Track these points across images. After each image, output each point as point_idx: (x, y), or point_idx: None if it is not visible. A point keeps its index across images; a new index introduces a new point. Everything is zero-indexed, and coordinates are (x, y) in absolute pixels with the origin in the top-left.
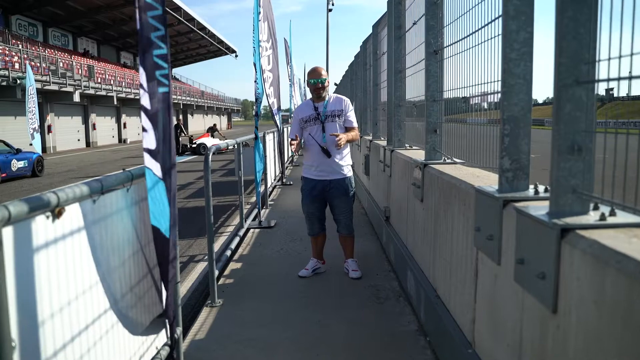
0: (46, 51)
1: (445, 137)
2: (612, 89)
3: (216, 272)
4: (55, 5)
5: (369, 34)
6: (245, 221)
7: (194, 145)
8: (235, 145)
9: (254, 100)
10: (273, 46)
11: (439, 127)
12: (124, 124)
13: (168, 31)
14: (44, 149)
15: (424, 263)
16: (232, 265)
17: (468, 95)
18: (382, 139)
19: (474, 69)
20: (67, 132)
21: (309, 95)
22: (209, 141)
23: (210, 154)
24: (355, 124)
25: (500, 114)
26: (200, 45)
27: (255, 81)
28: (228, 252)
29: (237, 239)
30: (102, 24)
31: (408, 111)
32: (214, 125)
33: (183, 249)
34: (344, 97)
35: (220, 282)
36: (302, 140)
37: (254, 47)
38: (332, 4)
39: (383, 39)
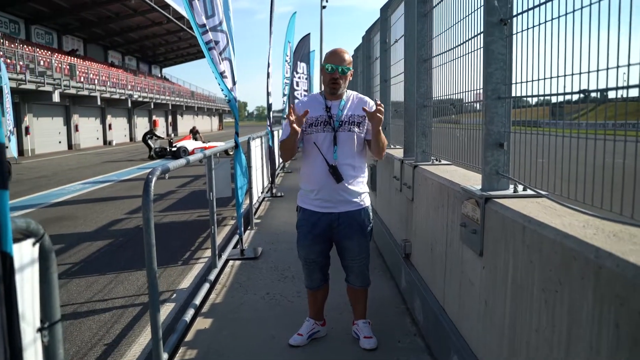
0: (24, 48)
1: (513, 154)
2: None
3: (165, 356)
4: (37, 1)
5: (369, 25)
6: (221, 256)
7: (174, 149)
8: (205, 158)
9: (227, 101)
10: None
11: (506, 139)
12: (109, 125)
13: (156, 29)
14: (20, 152)
15: (485, 353)
16: (199, 324)
17: (589, 88)
18: (393, 146)
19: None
20: (47, 133)
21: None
22: (190, 144)
23: (154, 179)
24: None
25: None
26: (191, 44)
27: (215, 78)
28: (190, 312)
29: (206, 286)
30: (87, 21)
31: (437, 111)
32: (194, 127)
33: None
34: (369, 99)
35: (178, 355)
36: (300, 148)
37: (197, 38)
38: (327, 0)
39: (395, 22)
